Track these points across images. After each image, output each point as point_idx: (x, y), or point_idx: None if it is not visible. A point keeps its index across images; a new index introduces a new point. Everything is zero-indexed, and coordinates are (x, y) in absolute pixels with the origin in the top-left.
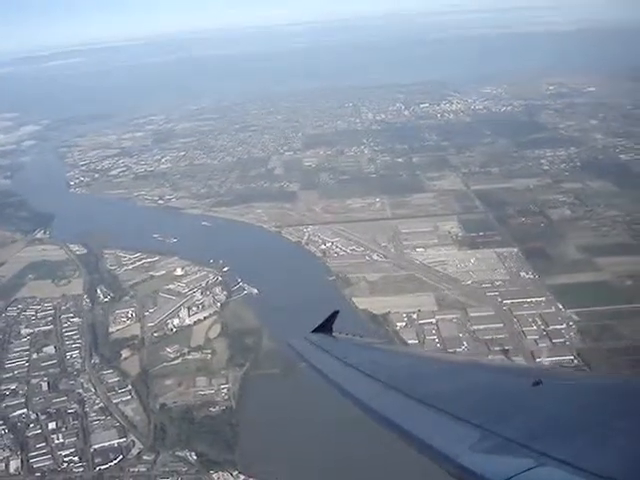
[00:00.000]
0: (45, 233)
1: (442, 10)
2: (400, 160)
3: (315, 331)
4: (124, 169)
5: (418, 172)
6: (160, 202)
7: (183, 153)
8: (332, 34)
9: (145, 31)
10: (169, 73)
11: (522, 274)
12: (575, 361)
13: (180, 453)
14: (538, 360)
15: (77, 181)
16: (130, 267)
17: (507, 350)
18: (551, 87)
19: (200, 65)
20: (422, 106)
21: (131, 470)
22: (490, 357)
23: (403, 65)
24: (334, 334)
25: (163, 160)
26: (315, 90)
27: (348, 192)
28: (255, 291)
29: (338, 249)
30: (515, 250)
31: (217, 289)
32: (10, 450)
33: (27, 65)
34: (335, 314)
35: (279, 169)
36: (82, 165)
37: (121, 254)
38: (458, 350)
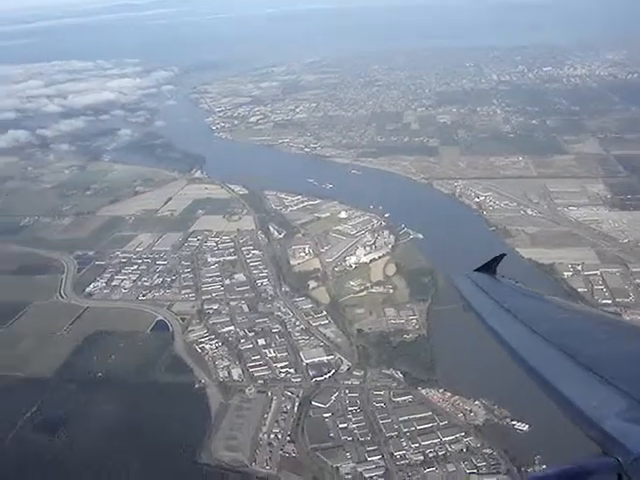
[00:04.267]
0: (202, 173)
1: None
2: (534, 122)
3: (479, 270)
4: (261, 117)
5: (554, 134)
6: (306, 150)
7: (315, 104)
8: None
9: None
10: (272, 26)
11: None
12: None
13: (386, 371)
14: None
15: (219, 126)
16: (294, 208)
17: None
18: None
19: (303, 19)
20: (545, 69)
21: (345, 383)
22: None
23: (508, 28)
24: (497, 277)
25: (297, 110)
26: (430, 49)
27: (489, 150)
28: (420, 236)
29: (492, 203)
30: None
31: (384, 232)
32: (229, 360)
33: (126, 12)
34: (501, 257)
35: (415, 124)
36: (218, 111)
37: (282, 196)
38: (626, 300)
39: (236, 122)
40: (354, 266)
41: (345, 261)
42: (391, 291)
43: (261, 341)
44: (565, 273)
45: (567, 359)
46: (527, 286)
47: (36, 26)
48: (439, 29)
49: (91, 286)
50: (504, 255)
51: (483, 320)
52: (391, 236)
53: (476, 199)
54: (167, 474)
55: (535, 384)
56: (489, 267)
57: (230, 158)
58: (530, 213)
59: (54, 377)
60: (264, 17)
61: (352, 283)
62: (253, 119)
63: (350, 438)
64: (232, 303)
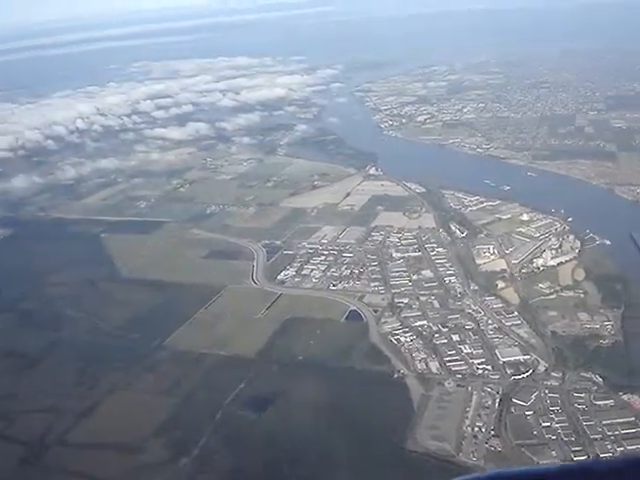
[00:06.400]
0: (377, 170)
1: None
2: None
3: None
4: (429, 116)
5: None
6: (479, 150)
7: (482, 105)
8: None
9: None
10: (427, 25)
11: None
12: None
13: (585, 374)
14: None
15: (387, 125)
16: (474, 208)
17: None
18: None
19: (460, 19)
20: None
21: (544, 383)
22: None
23: None
24: None
25: (465, 110)
26: (597, 50)
27: None
28: (607, 242)
29: None
30: None
31: (569, 237)
32: (425, 353)
33: (278, 12)
34: None
35: (588, 128)
36: (385, 110)
37: (460, 195)
38: None
39: (403, 120)
40: (541, 269)
41: (532, 263)
42: (582, 296)
43: (455, 337)
44: None
45: None
46: None
47: (198, 23)
48: (608, 30)
49: (282, 274)
50: None
51: None
52: (577, 241)
53: None
54: (376, 457)
55: None
56: None
57: (402, 156)
58: None
59: (257, 357)
60: (418, 17)
61: (541, 285)
62: (420, 118)
63: (554, 437)
64: (422, 298)
